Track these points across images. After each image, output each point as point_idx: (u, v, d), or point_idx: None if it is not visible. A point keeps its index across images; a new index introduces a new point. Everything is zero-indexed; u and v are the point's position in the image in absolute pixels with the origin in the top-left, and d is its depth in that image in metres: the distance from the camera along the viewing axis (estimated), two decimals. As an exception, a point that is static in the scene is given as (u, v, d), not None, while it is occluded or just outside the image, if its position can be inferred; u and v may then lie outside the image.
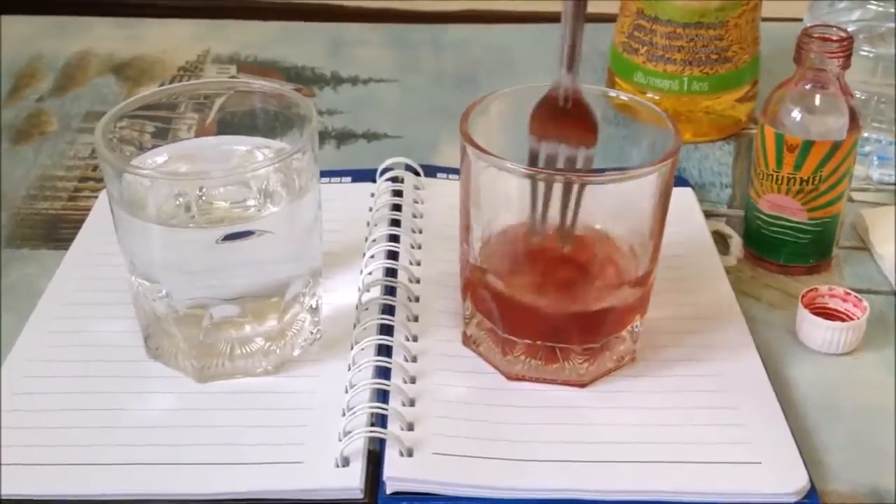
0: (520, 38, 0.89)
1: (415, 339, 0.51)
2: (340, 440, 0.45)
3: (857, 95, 0.63)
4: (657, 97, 0.69)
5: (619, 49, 0.72)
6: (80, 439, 0.46)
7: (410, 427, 0.46)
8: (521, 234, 0.48)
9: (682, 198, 0.63)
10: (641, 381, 0.49)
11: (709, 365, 0.50)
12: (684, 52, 0.68)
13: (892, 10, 0.67)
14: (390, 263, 0.55)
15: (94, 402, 0.48)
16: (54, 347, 0.51)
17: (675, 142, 0.46)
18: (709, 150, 0.71)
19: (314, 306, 0.51)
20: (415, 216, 0.60)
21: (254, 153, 0.51)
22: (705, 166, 0.69)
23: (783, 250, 0.57)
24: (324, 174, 0.58)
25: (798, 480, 0.44)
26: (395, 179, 0.63)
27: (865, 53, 0.64)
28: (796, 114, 0.54)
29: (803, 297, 0.53)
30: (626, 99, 0.51)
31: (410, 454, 0.44)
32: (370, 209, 0.61)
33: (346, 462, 0.44)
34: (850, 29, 0.57)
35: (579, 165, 0.49)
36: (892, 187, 0.66)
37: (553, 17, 0.95)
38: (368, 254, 0.56)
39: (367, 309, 0.52)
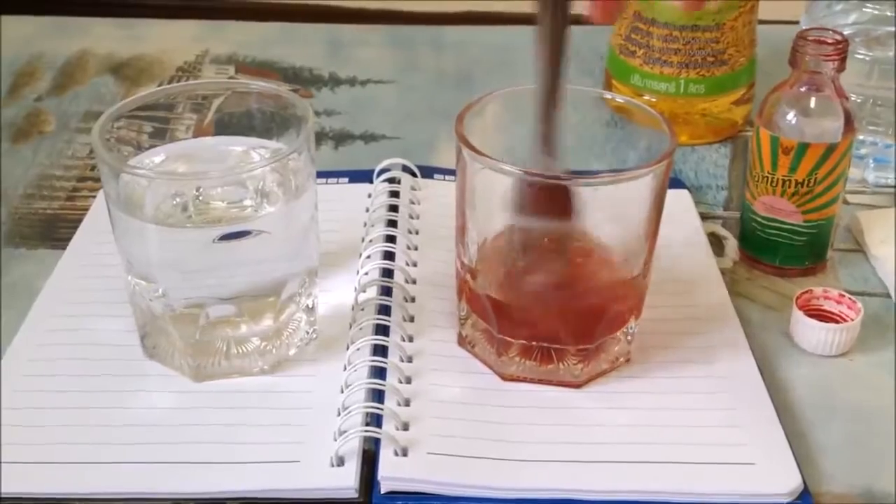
0: (518, 39, 0.89)
1: (410, 339, 0.51)
2: (335, 440, 0.45)
3: (853, 98, 0.63)
4: (654, 99, 0.70)
5: (616, 51, 0.72)
6: (77, 438, 0.46)
7: (405, 427, 0.46)
8: (516, 236, 0.49)
9: (679, 200, 0.63)
10: (636, 382, 0.49)
11: (703, 366, 0.50)
12: (681, 55, 0.68)
13: (889, 14, 0.67)
14: (387, 264, 0.55)
15: (91, 401, 0.48)
16: (51, 346, 0.51)
17: (670, 144, 0.46)
18: (705, 152, 0.71)
19: (310, 306, 0.51)
20: (411, 217, 0.60)
21: (250, 153, 0.51)
22: (701, 168, 0.69)
23: (778, 252, 0.57)
24: (321, 175, 0.58)
25: (791, 481, 0.44)
26: (392, 180, 0.63)
27: (861, 56, 0.64)
28: (791, 116, 0.55)
29: (798, 298, 0.53)
30: (622, 101, 0.51)
31: (405, 454, 0.45)
32: (367, 210, 0.61)
33: (341, 461, 0.44)
34: (846, 32, 0.57)
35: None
36: (888, 190, 0.66)
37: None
38: (365, 254, 0.57)
39: (363, 309, 0.53)
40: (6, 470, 0.44)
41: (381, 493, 0.44)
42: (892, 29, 0.66)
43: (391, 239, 0.57)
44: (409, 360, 0.50)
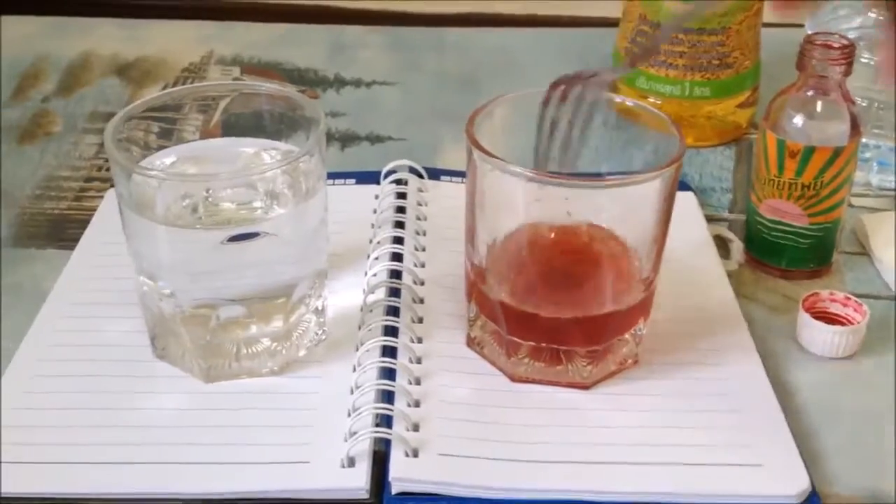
0: (522, 41, 0.89)
1: (419, 340, 0.52)
2: (346, 441, 0.45)
3: (858, 102, 0.64)
4: (659, 102, 0.70)
5: (621, 54, 0.72)
6: (87, 438, 0.46)
7: (415, 428, 0.46)
8: (525, 238, 0.49)
9: (684, 202, 0.63)
10: (644, 384, 0.50)
11: (710, 368, 0.51)
12: (686, 58, 0.68)
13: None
14: (395, 265, 0.56)
15: (101, 402, 0.48)
16: (61, 347, 0.51)
17: (679, 147, 0.46)
18: (710, 154, 0.71)
19: (319, 308, 0.52)
20: (419, 218, 0.61)
21: (261, 155, 0.52)
22: (706, 171, 0.69)
23: (784, 255, 0.58)
24: (329, 176, 0.58)
25: (799, 483, 0.44)
26: (398, 182, 0.63)
27: (866, 61, 0.65)
28: (798, 120, 0.55)
29: (804, 301, 0.53)
30: (631, 104, 0.52)
31: (416, 455, 0.45)
32: (374, 211, 0.61)
33: (351, 462, 0.45)
34: (850, 35, 0.57)
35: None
36: (892, 193, 0.66)
37: (554, 21, 0.96)
38: (373, 256, 0.57)
39: (371, 310, 0.53)
40: (17, 469, 0.44)
41: (392, 493, 0.44)
42: (896, 33, 0.66)
43: (399, 240, 0.58)
44: (419, 361, 0.50)
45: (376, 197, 0.63)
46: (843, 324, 0.53)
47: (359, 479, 0.44)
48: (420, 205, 0.62)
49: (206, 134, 0.57)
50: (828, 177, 0.55)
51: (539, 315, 0.48)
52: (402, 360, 0.50)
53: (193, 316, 0.48)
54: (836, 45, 0.54)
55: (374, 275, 0.55)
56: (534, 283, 0.49)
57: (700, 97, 0.70)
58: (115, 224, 0.49)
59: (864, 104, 0.65)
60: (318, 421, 0.47)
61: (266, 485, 0.44)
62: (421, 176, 0.65)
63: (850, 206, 0.63)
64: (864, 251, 0.61)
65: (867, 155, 0.67)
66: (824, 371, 0.52)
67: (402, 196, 0.62)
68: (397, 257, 0.57)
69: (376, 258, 0.56)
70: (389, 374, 0.49)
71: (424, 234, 0.59)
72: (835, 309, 0.53)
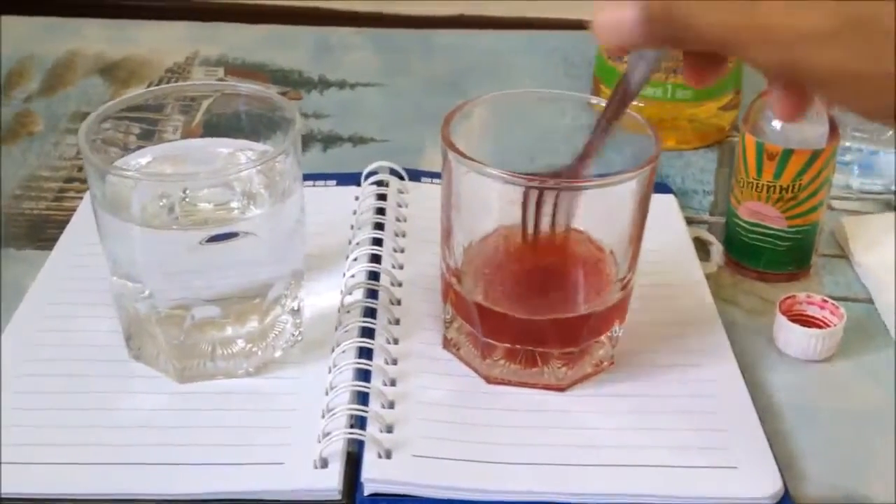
0: (509, 44, 0.89)
1: (395, 341, 0.52)
2: (319, 441, 0.45)
3: (838, 105, 0.64)
4: (641, 104, 0.70)
5: (604, 57, 0.72)
6: (61, 439, 0.46)
7: (389, 429, 0.46)
8: (501, 240, 0.49)
9: (665, 204, 0.63)
10: (620, 386, 0.50)
11: (687, 370, 0.51)
12: (668, 61, 0.68)
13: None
14: (373, 267, 0.56)
15: (76, 402, 0.48)
16: (37, 346, 0.51)
17: (655, 148, 0.46)
18: (691, 157, 0.71)
19: (296, 308, 0.52)
20: (398, 220, 0.61)
21: (237, 155, 0.52)
22: (688, 173, 0.69)
23: (762, 257, 0.58)
24: (309, 177, 0.59)
25: (773, 485, 0.44)
26: (379, 183, 0.63)
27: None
28: (776, 122, 0.55)
29: (781, 303, 0.53)
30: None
31: (389, 456, 0.45)
32: (354, 212, 0.61)
33: (324, 463, 0.44)
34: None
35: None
36: (873, 196, 0.66)
37: (543, 24, 0.96)
38: (351, 256, 0.57)
39: (348, 311, 0.53)
40: (-10, 470, 0.44)
41: (365, 494, 0.44)
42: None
43: (378, 242, 0.58)
44: (395, 362, 0.50)
45: (357, 198, 0.63)
46: (820, 326, 0.53)
47: (331, 480, 0.44)
48: (400, 206, 0.62)
49: (187, 134, 0.57)
50: (806, 179, 0.55)
51: (514, 317, 0.48)
52: (377, 362, 0.50)
53: (168, 316, 0.48)
54: (814, 48, 0.54)
55: (352, 276, 0.55)
56: (509, 284, 0.49)
57: (682, 100, 0.70)
58: (94, 225, 0.49)
59: (844, 107, 0.66)
60: (293, 422, 0.47)
61: (240, 485, 0.44)
62: (402, 177, 0.65)
63: (831, 209, 0.63)
64: (843, 254, 0.61)
65: (847, 158, 0.67)
66: (800, 373, 0.52)
67: (382, 197, 0.62)
68: (376, 259, 0.57)
69: (355, 259, 0.56)
70: (365, 375, 0.49)
71: (404, 236, 0.59)
72: (812, 311, 0.53)
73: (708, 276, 0.58)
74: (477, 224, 0.49)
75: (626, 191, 0.46)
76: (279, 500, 0.44)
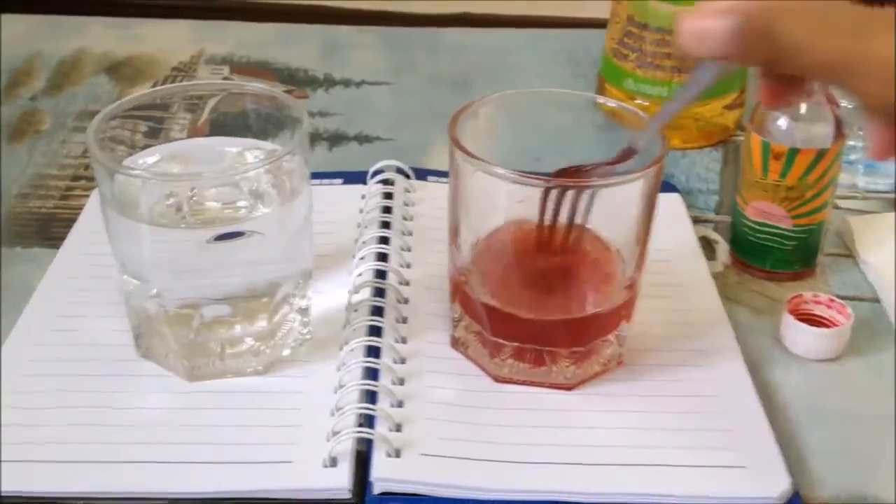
0: (514, 42, 0.89)
1: (403, 340, 0.52)
2: (329, 440, 0.45)
3: (844, 104, 0.64)
4: (646, 103, 0.70)
5: (609, 55, 0.72)
6: (70, 438, 0.46)
7: (398, 428, 0.46)
8: (509, 239, 0.49)
9: (670, 204, 0.63)
10: (627, 385, 0.50)
11: (694, 370, 0.51)
12: (673, 59, 0.69)
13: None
14: (380, 265, 0.56)
15: (84, 401, 0.48)
16: (45, 346, 0.51)
17: (661, 148, 0.46)
18: (697, 156, 0.71)
19: (304, 307, 0.52)
20: (405, 219, 0.61)
21: (245, 155, 0.52)
22: (693, 173, 0.69)
23: (769, 257, 0.58)
24: (315, 176, 0.58)
25: (781, 485, 0.44)
26: (386, 182, 0.63)
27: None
28: (782, 122, 0.55)
29: (788, 303, 0.53)
30: (613, 105, 0.52)
31: (398, 455, 0.45)
32: (361, 211, 0.61)
33: (334, 462, 0.45)
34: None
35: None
36: (879, 195, 0.66)
37: (549, 23, 0.96)
38: (358, 255, 0.57)
39: (356, 310, 0.53)
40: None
41: (374, 493, 0.44)
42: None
43: (385, 240, 0.58)
44: (403, 361, 0.50)
45: (363, 197, 0.63)
46: (827, 326, 0.53)
47: (341, 479, 0.44)
48: (407, 205, 0.62)
49: (193, 133, 0.58)
50: (812, 179, 0.55)
51: (522, 316, 0.48)
52: (385, 361, 0.50)
53: (177, 315, 0.48)
54: (821, 47, 0.54)
55: (360, 275, 0.55)
56: (517, 284, 0.49)
57: (687, 98, 0.70)
58: (101, 223, 0.49)
59: (850, 106, 0.65)
60: (302, 421, 0.47)
61: (248, 485, 0.44)
62: (408, 176, 0.65)
63: (837, 208, 0.63)
64: (849, 253, 0.61)
65: (853, 157, 0.67)
66: (808, 373, 0.52)
67: (388, 196, 0.62)
68: (383, 257, 0.57)
69: (362, 258, 0.56)
70: (373, 374, 0.49)
71: (411, 235, 0.60)
72: (819, 311, 0.53)
73: (714, 276, 0.58)
74: (484, 223, 0.49)
75: (632, 190, 0.46)
76: (288, 499, 0.44)
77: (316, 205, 0.51)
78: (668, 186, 0.65)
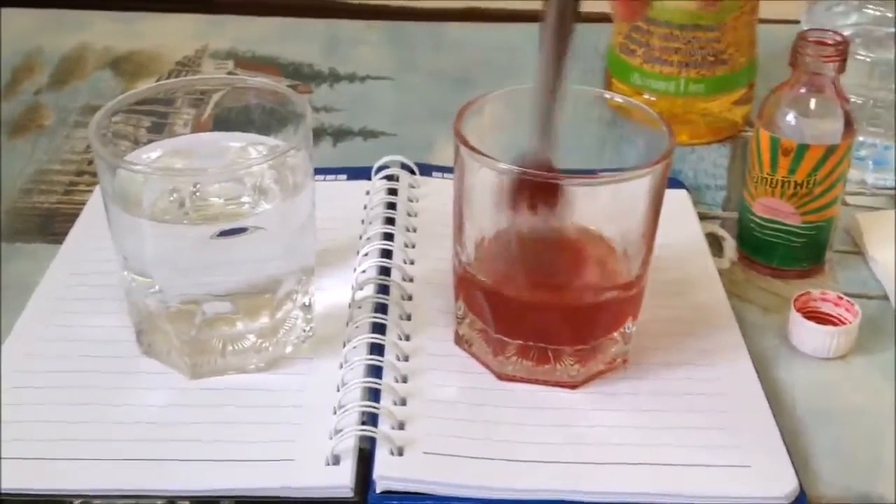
0: (519, 37, 0.89)
1: (407, 338, 0.51)
2: (331, 438, 0.45)
3: (853, 99, 0.63)
4: (653, 98, 0.69)
5: (616, 50, 0.72)
6: (71, 435, 0.46)
7: (401, 426, 0.46)
8: (513, 236, 0.48)
9: (677, 200, 0.63)
10: (632, 383, 0.49)
11: (700, 368, 0.50)
12: (681, 54, 0.68)
13: (890, 15, 0.67)
14: (384, 262, 0.55)
15: (86, 398, 0.48)
16: (47, 342, 0.51)
17: (668, 144, 0.46)
18: (704, 152, 0.71)
19: (307, 304, 0.51)
20: (409, 215, 0.60)
21: (248, 150, 0.51)
22: (700, 168, 0.69)
23: (776, 253, 0.57)
24: (319, 171, 0.58)
25: (787, 484, 0.44)
26: (390, 178, 0.63)
27: (862, 57, 0.64)
28: (791, 117, 0.55)
29: (796, 300, 0.53)
30: (620, 101, 0.51)
31: (401, 453, 0.45)
32: (365, 207, 0.61)
33: (336, 460, 0.44)
34: (846, 32, 0.57)
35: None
36: (887, 192, 0.66)
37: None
38: (362, 252, 0.56)
39: (359, 307, 0.53)
40: (2, 466, 0.44)
41: (377, 492, 0.44)
42: (893, 30, 0.66)
43: (389, 237, 0.57)
44: (406, 358, 0.50)
45: (367, 193, 0.62)
46: (834, 324, 0.52)
47: (343, 478, 0.44)
48: (411, 201, 0.62)
49: (197, 128, 0.57)
50: (821, 175, 0.54)
51: (526, 314, 0.47)
52: (389, 358, 0.49)
53: (179, 312, 0.48)
54: (829, 41, 0.54)
55: (363, 271, 0.55)
56: (521, 280, 0.49)
57: (694, 94, 0.69)
58: (104, 219, 0.48)
59: (859, 101, 0.65)
60: (304, 418, 0.47)
61: (250, 482, 0.44)
62: (413, 172, 0.64)
63: (845, 204, 0.63)
64: (857, 250, 0.60)
65: (862, 153, 0.66)
66: (815, 371, 0.51)
67: (392, 192, 0.61)
68: (387, 254, 0.56)
69: (365, 254, 0.56)
70: (376, 371, 0.49)
71: (415, 231, 0.59)
72: (826, 308, 0.53)
73: (721, 273, 0.57)
74: (489, 219, 0.48)
75: (639, 187, 0.46)
76: (291, 497, 0.44)
77: (319, 200, 0.51)
78: (674, 182, 0.65)
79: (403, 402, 0.47)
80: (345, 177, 0.65)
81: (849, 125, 0.54)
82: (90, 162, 0.68)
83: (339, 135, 0.73)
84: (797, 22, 0.69)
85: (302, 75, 0.81)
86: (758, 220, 0.57)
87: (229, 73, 0.81)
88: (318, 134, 0.72)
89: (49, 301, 0.54)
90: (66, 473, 0.44)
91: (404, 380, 0.49)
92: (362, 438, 0.45)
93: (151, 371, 0.50)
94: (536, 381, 0.49)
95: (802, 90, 0.54)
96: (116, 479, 0.44)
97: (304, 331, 0.51)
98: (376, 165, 0.64)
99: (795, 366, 0.52)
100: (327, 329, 0.52)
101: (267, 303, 0.49)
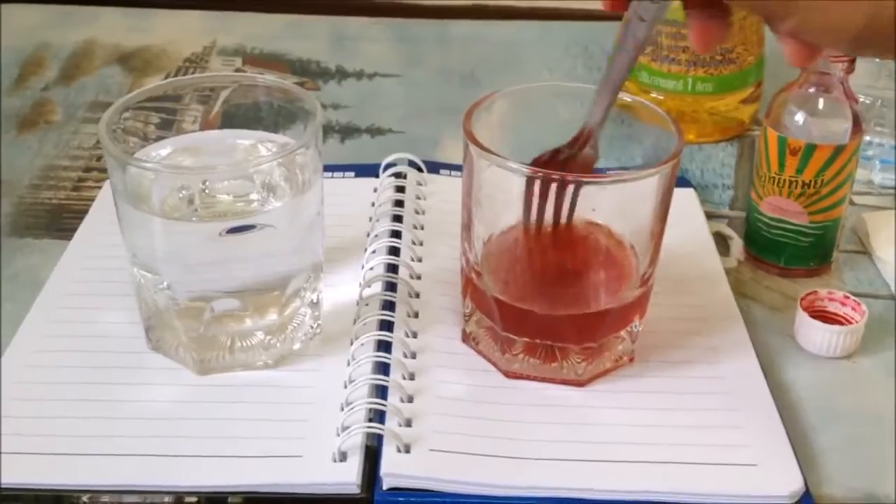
0: (525, 34, 0.89)
1: (414, 335, 0.51)
2: (338, 435, 0.45)
3: (861, 99, 0.63)
4: (661, 97, 0.69)
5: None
6: (79, 430, 0.46)
7: (408, 423, 0.46)
8: (521, 234, 0.48)
9: (684, 198, 0.63)
10: (639, 382, 0.49)
11: (707, 366, 0.50)
12: (689, 53, 0.68)
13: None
14: (391, 259, 0.55)
15: (95, 393, 0.48)
16: (56, 337, 0.51)
17: (677, 143, 0.46)
18: (712, 150, 0.71)
19: (315, 301, 0.52)
20: (417, 212, 0.60)
21: (257, 147, 0.51)
22: (708, 167, 0.69)
23: (783, 253, 0.57)
24: (327, 168, 0.58)
25: (793, 483, 0.44)
26: (398, 175, 0.63)
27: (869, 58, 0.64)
28: (799, 117, 0.55)
29: (802, 300, 0.53)
30: (629, 100, 0.51)
31: (408, 450, 0.45)
32: (373, 204, 0.61)
33: (343, 457, 0.44)
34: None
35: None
36: (894, 191, 0.66)
37: (559, 15, 0.96)
38: (370, 249, 0.56)
39: (367, 304, 0.53)
40: (10, 460, 0.44)
41: (384, 489, 0.44)
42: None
43: (396, 234, 0.57)
44: (413, 356, 0.50)
45: (375, 190, 0.62)
46: (841, 323, 0.52)
47: (350, 474, 0.44)
48: (419, 198, 0.62)
49: (206, 125, 0.57)
50: (828, 175, 0.54)
51: (534, 312, 0.47)
52: (396, 355, 0.49)
53: (188, 308, 0.48)
54: (838, 42, 0.54)
55: (371, 268, 0.55)
56: (529, 279, 0.49)
57: (702, 93, 0.69)
58: (113, 214, 0.49)
59: (866, 101, 0.65)
60: (311, 415, 0.47)
61: (258, 479, 0.44)
62: (420, 169, 0.64)
63: (852, 204, 0.63)
64: (864, 250, 0.60)
65: (869, 153, 0.66)
66: (821, 371, 0.51)
67: (400, 189, 0.62)
68: (394, 251, 0.56)
69: (373, 252, 0.56)
70: (384, 368, 0.49)
71: (422, 229, 0.59)
72: (833, 308, 0.53)
73: (727, 272, 0.57)
74: (498, 218, 0.48)
75: (647, 186, 0.46)
76: (298, 494, 0.44)
77: (328, 198, 0.51)
78: (682, 181, 0.65)
79: (410, 400, 0.47)
80: (353, 174, 0.65)
81: (857, 125, 0.54)
82: (99, 158, 0.68)
83: (347, 132, 0.73)
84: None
85: (309, 72, 0.81)
86: (765, 220, 0.57)
87: (237, 69, 0.82)
88: (326, 131, 0.72)
89: (58, 297, 0.54)
90: (74, 469, 0.44)
91: (411, 377, 0.49)
92: (369, 435, 0.46)
93: (160, 367, 0.50)
94: (543, 379, 0.49)
95: (811, 90, 0.54)
96: (124, 475, 0.44)
97: (312, 328, 0.52)
98: (384, 163, 0.64)
99: (802, 365, 0.52)
100: (335, 326, 0.52)
101: (275, 300, 0.49)
